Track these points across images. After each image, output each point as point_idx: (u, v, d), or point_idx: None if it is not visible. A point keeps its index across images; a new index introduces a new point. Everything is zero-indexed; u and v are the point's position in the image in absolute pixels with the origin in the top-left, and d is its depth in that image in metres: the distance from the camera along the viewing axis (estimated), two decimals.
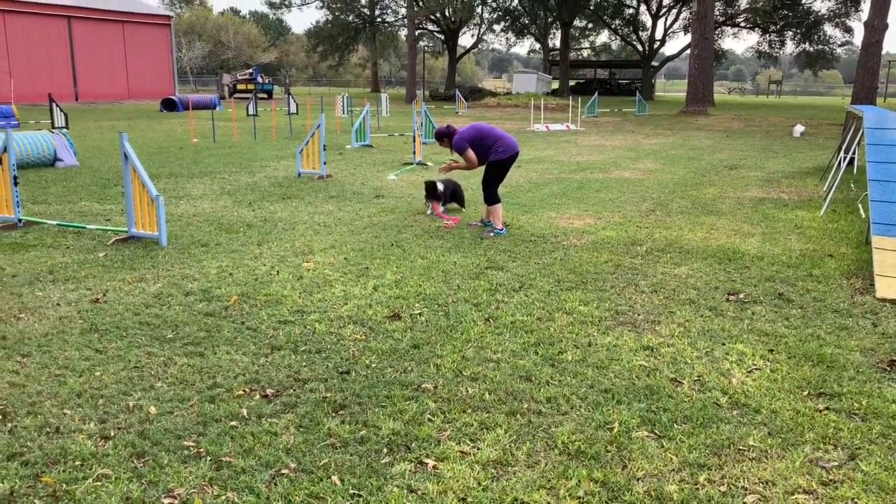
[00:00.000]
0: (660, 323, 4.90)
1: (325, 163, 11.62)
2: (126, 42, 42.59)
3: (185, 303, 5.11)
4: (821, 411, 3.61)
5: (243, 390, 3.72)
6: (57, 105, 20.62)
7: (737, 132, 24.11)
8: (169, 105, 32.17)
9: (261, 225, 7.92)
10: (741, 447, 3.24)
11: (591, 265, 6.36)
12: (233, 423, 3.37)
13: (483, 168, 7.73)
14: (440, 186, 8.56)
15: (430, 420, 3.44)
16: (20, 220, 7.69)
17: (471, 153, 7.52)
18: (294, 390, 3.74)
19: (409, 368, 4.04)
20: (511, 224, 8.08)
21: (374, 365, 4.08)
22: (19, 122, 21.60)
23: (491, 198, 7.67)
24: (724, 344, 4.53)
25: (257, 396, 3.66)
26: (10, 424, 3.30)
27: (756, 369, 4.14)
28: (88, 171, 12.14)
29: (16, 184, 7.59)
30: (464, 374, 3.99)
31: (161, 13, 46.43)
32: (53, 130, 13.80)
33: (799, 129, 22.94)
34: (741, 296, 5.53)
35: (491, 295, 5.43)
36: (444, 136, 7.76)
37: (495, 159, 7.56)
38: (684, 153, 16.81)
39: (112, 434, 3.23)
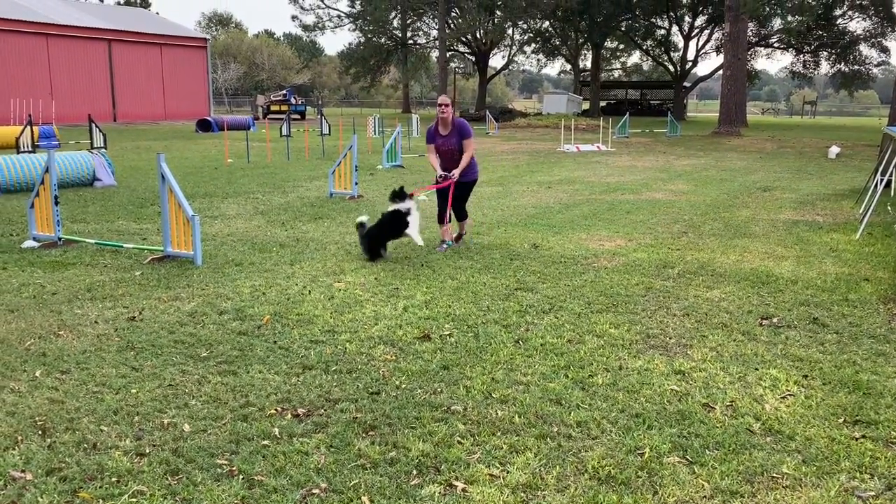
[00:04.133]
0: (692, 347, 4.86)
1: (356, 183, 11.74)
2: (164, 64, 43.58)
3: (218, 321, 5.19)
4: (857, 439, 3.54)
5: (275, 409, 3.76)
6: (96, 126, 21.11)
7: (770, 153, 23.87)
8: (204, 126, 32.75)
9: (293, 245, 8.01)
10: (774, 475, 3.20)
11: (622, 287, 6.33)
12: (265, 441, 3.41)
13: (449, 187, 7.83)
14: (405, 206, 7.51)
15: (459, 442, 3.45)
16: (60, 239, 7.88)
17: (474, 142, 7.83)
18: (325, 410, 3.77)
19: (439, 390, 4.06)
20: (541, 245, 8.08)
21: (403, 386, 4.10)
22: (60, 143, 22.15)
23: (463, 213, 8.06)
24: (757, 369, 4.48)
25: (289, 416, 3.70)
26: (49, 440, 3.38)
27: (790, 395, 4.08)
28: (126, 191, 12.40)
29: (56, 203, 7.78)
30: (493, 396, 3.99)
31: (197, 36, 47.46)
32: (92, 151, 14.13)
33: (834, 150, 22.64)
34: (775, 320, 5.47)
35: (521, 316, 5.44)
36: (449, 105, 7.82)
37: (470, 179, 7.96)
38: (717, 174, 16.67)
39: (147, 451, 3.29)
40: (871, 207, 9.33)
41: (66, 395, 3.88)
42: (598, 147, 25.00)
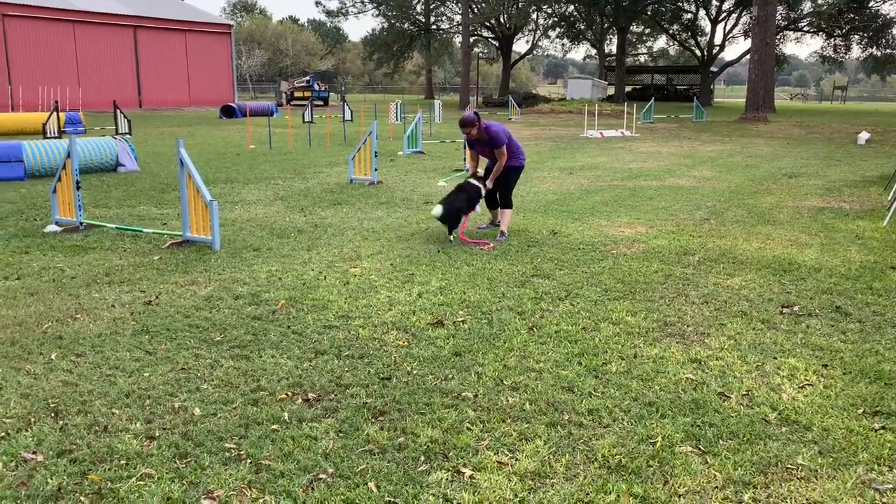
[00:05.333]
0: (709, 335, 4.78)
1: (376, 169, 11.72)
2: (188, 51, 43.84)
3: (234, 306, 5.21)
4: (876, 431, 3.46)
5: (286, 394, 3.76)
6: (121, 112, 21.30)
7: (798, 139, 23.46)
8: (228, 112, 32.92)
9: (311, 230, 8.02)
10: (789, 466, 3.13)
11: (641, 275, 6.25)
12: (274, 426, 3.41)
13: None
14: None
15: (468, 429, 3.42)
16: (81, 223, 7.95)
17: (506, 150, 7.59)
18: (335, 395, 3.76)
19: (450, 376, 4.03)
20: (560, 232, 8.01)
21: (415, 372, 4.08)
22: (86, 129, 22.38)
23: (509, 201, 7.84)
24: (775, 358, 4.40)
25: (299, 400, 3.70)
26: (61, 422, 3.41)
27: (808, 385, 4.00)
28: (148, 176, 12.50)
29: (78, 188, 7.85)
30: (505, 383, 3.96)
31: (222, 22, 47.61)
32: (116, 137, 14.25)
33: (864, 136, 22.20)
34: (796, 308, 5.36)
35: (536, 303, 5.39)
36: (473, 125, 7.48)
37: (518, 164, 7.81)
38: (742, 161, 16.42)
39: (157, 434, 3.30)
40: None
41: (80, 377, 3.91)
42: (622, 133, 24.74)
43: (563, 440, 3.34)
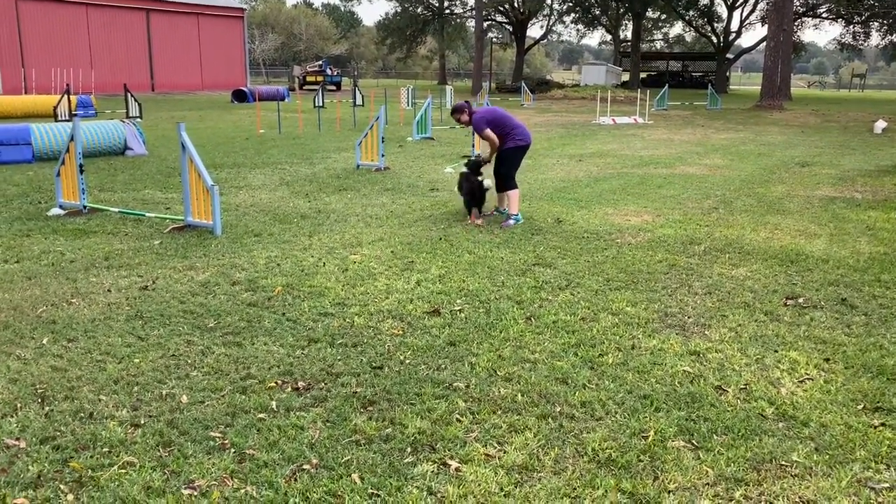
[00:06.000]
0: (710, 327, 4.70)
1: (383, 155, 11.65)
2: (201, 34, 43.81)
3: (230, 292, 5.17)
4: (875, 427, 3.38)
5: (275, 382, 3.72)
6: (132, 95, 21.31)
7: (813, 127, 23.17)
8: (240, 96, 32.88)
9: (314, 216, 7.97)
10: (784, 462, 3.06)
11: (645, 264, 6.16)
12: (261, 415, 3.37)
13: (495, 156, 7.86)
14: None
15: (458, 420, 3.37)
16: (85, 207, 7.94)
17: (490, 133, 7.58)
18: (325, 384, 3.72)
19: (443, 366, 3.98)
20: (565, 220, 7.92)
21: (408, 361, 4.03)
22: (97, 112, 22.42)
23: (508, 183, 7.73)
24: (776, 351, 4.31)
25: (289, 389, 3.65)
26: (47, 408, 3.38)
27: (808, 379, 3.92)
28: (155, 160, 12.49)
29: (81, 172, 7.83)
30: (498, 373, 3.90)
31: (234, 6, 47.50)
32: (124, 120, 14.24)
33: (880, 124, 21.87)
34: (801, 300, 5.27)
35: (535, 293, 5.32)
36: (461, 111, 7.76)
37: (513, 145, 7.68)
38: (755, 149, 16.22)
39: (142, 422, 3.27)
40: None
41: (69, 363, 3.89)
42: (634, 120, 24.51)
43: (553, 433, 3.28)
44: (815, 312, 5.01)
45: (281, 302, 4.99)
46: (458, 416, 3.41)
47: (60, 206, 8.07)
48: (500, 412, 3.46)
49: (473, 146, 13.84)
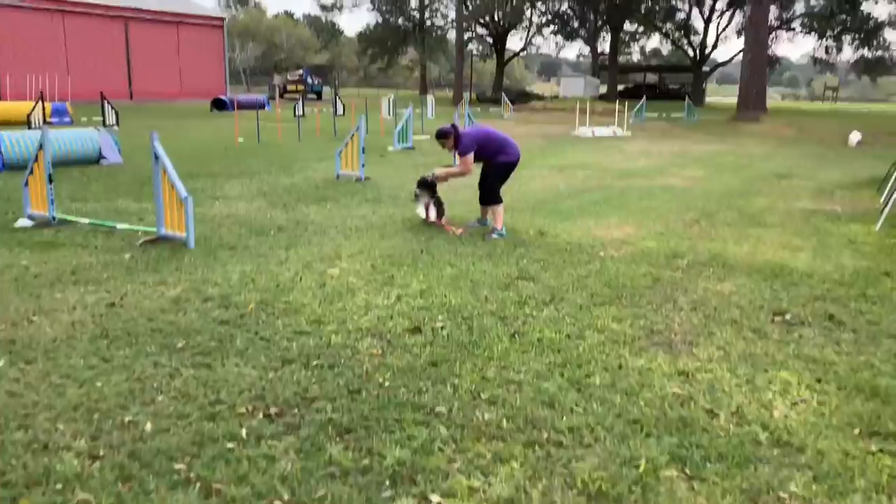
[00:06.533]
0: (698, 345, 4.57)
1: (363, 165, 11.47)
2: (180, 43, 43.39)
3: (201, 309, 4.96)
4: (873, 454, 3.25)
5: (246, 408, 3.52)
6: (109, 103, 20.96)
7: (789, 140, 23.33)
8: (219, 105, 32.56)
9: (292, 228, 7.77)
10: (781, 493, 2.92)
11: (629, 278, 6.03)
12: (230, 444, 3.17)
13: (479, 168, 7.70)
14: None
15: (440, 449, 3.19)
16: (54, 218, 7.68)
17: (471, 158, 7.38)
18: (299, 410, 3.53)
19: (424, 389, 3.80)
20: (547, 232, 7.79)
21: (387, 384, 3.85)
22: (72, 120, 22.03)
23: (495, 198, 7.59)
24: (766, 371, 4.18)
25: (260, 415, 3.46)
26: None
27: (801, 401, 3.79)
28: (131, 169, 12.21)
29: (51, 181, 7.57)
30: (482, 396, 3.73)
31: (214, 15, 47.17)
32: (98, 128, 13.94)
33: (855, 137, 22.06)
34: (788, 316, 5.16)
35: (519, 308, 5.16)
36: (447, 136, 7.48)
37: (505, 160, 7.54)
38: (734, 161, 16.25)
39: (101, 453, 3.06)
40: (893, 198, 8.93)
41: (26, 387, 3.66)
42: (613, 131, 24.54)
43: (540, 462, 3.11)
44: (804, 329, 4.90)
45: (254, 319, 4.79)
46: (440, 444, 3.23)
47: (29, 217, 7.80)
48: (484, 440, 3.29)
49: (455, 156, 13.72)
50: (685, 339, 4.68)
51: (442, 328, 4.71)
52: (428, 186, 7.83)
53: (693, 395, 3.83)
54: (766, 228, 8.35)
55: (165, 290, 5.39)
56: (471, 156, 7.35)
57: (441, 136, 7.54)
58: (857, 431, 3.47)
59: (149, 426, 3.31)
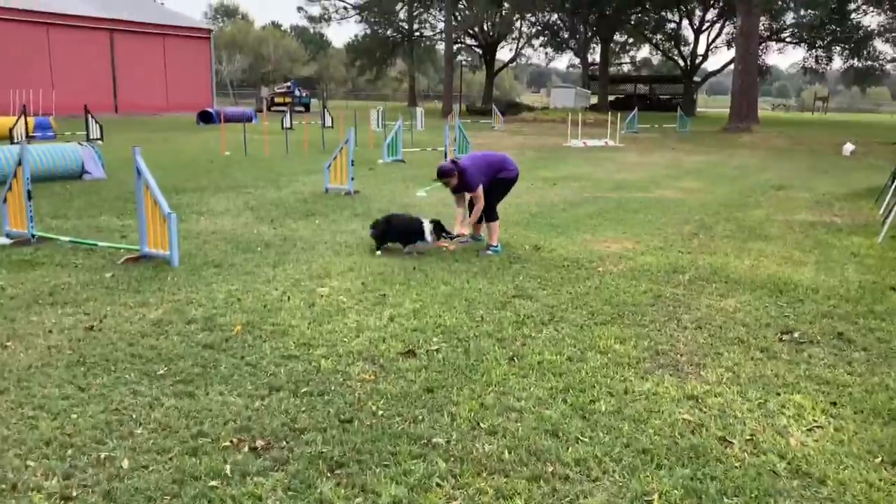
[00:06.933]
0: (705, 366, 4.37)
1: (352, 178, 11.26)
2: (166, 55, 43.12)
3: (184, 332, 4.73)
4: None
5: (231, 441, 3.29)
6: (92, 117, 20.69)
7: (782, 150, 23.31)
8: (206, 117, 32.31)
9: (280, 244, 7.55)
10: None
11: (629, 295, 5.84)
12: (213, 482, 2.94)
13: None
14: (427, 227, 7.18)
15: (438, 485, 2.98)
16: (34, 236, 7.43)
17: (481, 190, 7.18)
18: (287, 442, 3.30)
19: (420, 417, 3.59)
20: (543, 247, 7.60)
21: (380, 412, 3.63)
22: (56, 134, 21.73)
23: (492, 214, 7.38)
24: (778, 394, 3.99)
25: (246, 448, 3.23)
26: None
27: (818, 427, 3.60)
28: (115, 184, 11.95)
29: (30, 198, 7.33)
30: (481, 426, 3.52)
31: (201, 27, 46.96)
32: (82, 143, 13.69)
33: (848, 147, 22.06)
34: (796, 335, 4.98)
35: (517, 328, 4.96)
36: (451, 175, 7.12)
37: (506, 177, 7.41)
38: (728, 172, 16.15)
39: (74, 494, 2.83)
40: (894, 209, 8.80)
41: None
42: (605, 142, 24.45)
43: (546, 499, 2.90)
44: (813, 348, 4.72)
45: (240, 343, 4.56)
46: (438, 479, 3.02)
47: (7, 235, 7.55)
48: (485, 474, 3.08)
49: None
50: (692, 359, 4.48)
51: (437, 351, 4.50)
52: (439, 228, 7.28)
53: (704, 421, 3.63)
54: (766, 241, 8.19)
55: (147, 311, 5.16)
56: (481, 188, 7.15)
57: (445, 175, 7.16)
58: (878, 460, 3.28)
59: (126, 463, 3.08)
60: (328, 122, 26.57)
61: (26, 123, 18.83)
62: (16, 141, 18.10)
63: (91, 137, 20.27)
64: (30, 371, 4.03)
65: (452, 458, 3.20)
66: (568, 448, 3.31)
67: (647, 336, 4.88)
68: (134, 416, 3.52)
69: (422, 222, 7.14)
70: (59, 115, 30.45)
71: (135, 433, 3.35)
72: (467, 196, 7.42)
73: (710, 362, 4.44)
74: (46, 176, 11.92)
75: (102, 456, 3.13)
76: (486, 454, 3.24)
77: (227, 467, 3.06)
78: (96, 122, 20.70)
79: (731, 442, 3.42)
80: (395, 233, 7.22)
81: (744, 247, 7.86)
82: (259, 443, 3.28)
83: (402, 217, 7.43)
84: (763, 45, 49.75)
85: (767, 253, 7.56)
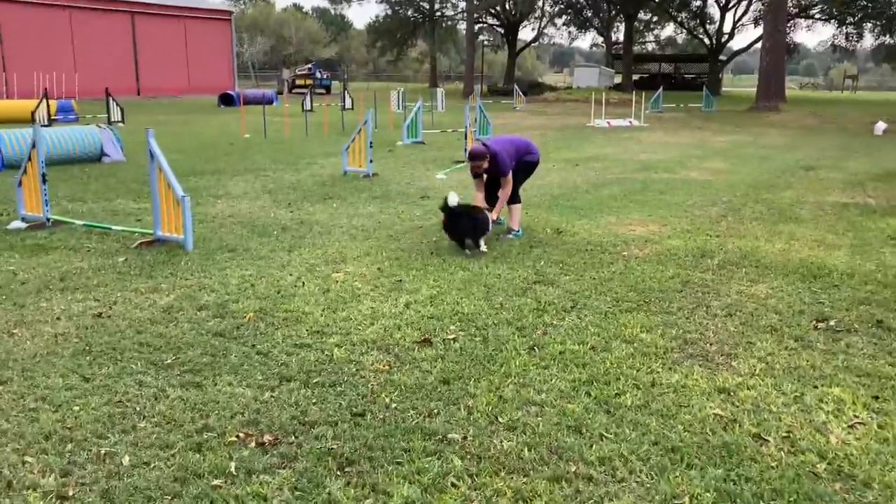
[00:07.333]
0: (737, 357, 4.15)
1: (371, 161, 11.08)
2: (187, 37, 43.11)
3: (195, 319, 4.59)
4: None
5: (237, 435, 3.15)
6: (113, 99, 20.69)
7: (812, 129, 22.74)
8: (227, 100, 32.27)
9: (296, 228, 7.40)
10: None
11: (656, 281, 5.62)
12: (216, 481, 2.80)
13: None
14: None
15: (453, 485, 2.81)
16: (48, 219, 7.35)
17: (511, 175, 6.93)
18: (296, 437, 3.15)
19: (436, 411, 3.41)
20: (565, 230, 7.37)
21: (394, 405, 3.46)
22: (77, 116, 21.77)
23: (514, 197, 7.11)
24: (816, 387, 3.77)
25: (252, 444, 3.08)
26: None
27: (859, 423, 3.38)
28: (132, 167, 11.89)
29: (44, 181, 7.24)
30: (499, 420, 3.34)
31: (222, 9, 46.82)
32: (101, 125, 13.62)
33: (881, 126, 21.45)
34: (832, 323, 4.73)
35: (538, 316, 4.76)
36: (483, 158, 6.71)
37: (531, 160, 7.22)
38: (756, 152, 15.74)
39: (71, 493, 2.70)
40: None
41: None
42: (630, 122, 24.03)
43: (568, 501, 2.72)
44: (851, 337, 4.48)
45: (252, 331, 4.42)
46: (453, 479, 2.85)
47: (23, 219, 7.47)
48: (503, 473, 2.90)
49: (465, 150, 13.30)
50: (722, 349, 4.26)
51: (454, 340, 4.31)
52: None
53: (737, 416, 3.42)
54: (798, 224, 7.90)
55: (158, 297, 5.03)
56: (511, 173, 6.91)
57: (477, 157, 6.74)
58: None
59: (126, 459, 2.94)
60: (348, 104, 26.40)
61: (48, 106, 18.85)
62: (40, 124, 18.13)
63: (112, 120, 20.29)
64: (35, 360, 3.91)
65: (469, 456, 3.02)
66: (592, 446, 3.12)
67: (675, 324, 4.67)
68: (138, 408, 3.39)
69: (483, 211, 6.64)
70: (82, 98, 30.59)
71: (138, 427, 3.21)
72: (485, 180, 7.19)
73: (742, 352, 4.22)
74: (66, 159, 11.89)
75: (103, 451, 2.99)
76: (504, 451, 3.06)
77: (233, 464, 2.91)
78: (117, 104, 20.70)
79: (766, 440, 3.21)
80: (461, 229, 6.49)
81: (774, 229, 7.57)
82: (267, 438, 3.13)
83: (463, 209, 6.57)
84: (791, 22, 48.64)
85: (799, 236, 7.28)
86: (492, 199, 7.09)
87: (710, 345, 4.33)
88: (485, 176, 7.07)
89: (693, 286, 5.51)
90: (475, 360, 4.01)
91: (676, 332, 4.51)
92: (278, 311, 4.76)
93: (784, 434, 3.26)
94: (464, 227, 6.35)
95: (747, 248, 6.74)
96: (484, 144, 6.90)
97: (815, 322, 4.75)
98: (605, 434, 3.23)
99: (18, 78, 32.40)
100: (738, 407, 3.52)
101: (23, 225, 7.33)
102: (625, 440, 3.18)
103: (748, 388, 3.73)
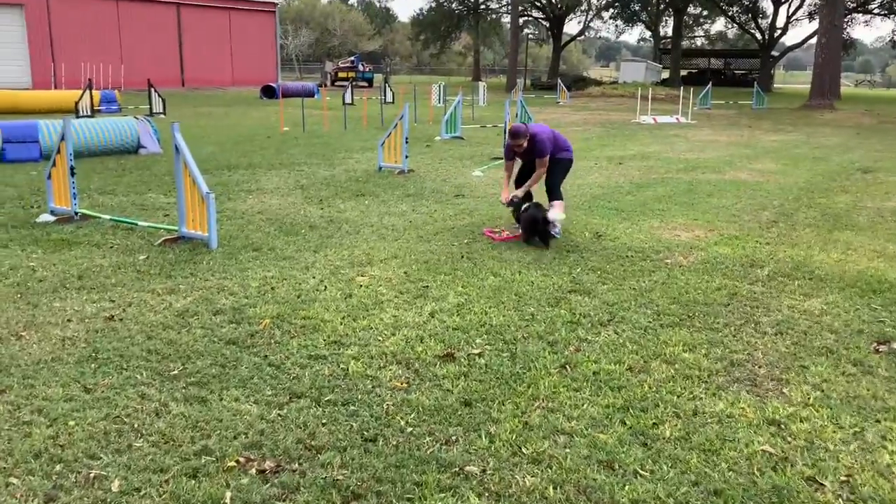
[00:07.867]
0: (788, 382, 3.79)
1: (406, 156, 10.82)
2: (232, 29, 43.38)
3: (208, 325, 4.38)
4: None
5: (237, 460, 2.91)
6: (155, 90, 20.80)
7: (869, 129, 21.83)
8: (269, 92, 32.35)
9: (325, 227, 7.18)
10: None
11: (700, 292, 5.25)
12: None
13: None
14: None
15: None
16: (76, 213, 7.25)
17: (548, 158, 6.87)
18: (301, 464, 2.90)
19: (454, 437, 3.13)
20: (605, 235, 7.02)
21: (409, 429, 3.19)
22: (120, 107, 21.96)
23: (555, 193, 7.01)
24: (878, 421, 3.39)
25: (252, 470, 2.84)
26: None
27: None
28: (168, 160, 11.80)
29: (72, 174, 7.13)
30: (523, 451, 3.04)
31: (267, 0, 46.97)
32: (139, 117, 13.62)
33: None
34: (895, 345, 4.32)
35: (571, 330, 4.45)
36: (525, 136, 6.76)
37: (567, 157, 7.09)
38: (809, 152, 15.08)
39: None
40: None
41: None
42: (677, 119, 23.38)
43: None
44: None
45: (266, 339, 4.19)
46: None
47: (51, 212, 7.39)
48: None
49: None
50: (772, 373, 3.90)
51: (479, 355, 4.03)
52: (516, 206, 6.95)
53: (788, 454, 3.08)
54: (854, 231, 7.41)
55: (174, 300, 4.83)
56: (548, 156, 6.85)
57: (517, 135, 6.73)
58: None
59: (116, 484, 2.72)
60: (389, 98, 26.22)
61: (91, 97, 19.00)
62: (81, 115, 18.30)
63: (154, 111, 20.40)
64: (38, 367, 3.74)
65: (487, 494, 2.74)
66: (625, 486, 2.81)
67: (721, 342, 4.31)
68: (136, 424, 3.17)
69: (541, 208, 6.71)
70: (127, 89, 30.97)
71: (133, 446, 2.99)
72: (515, 169, 7.19)
73: (794, 377, 3.85)
74: (104, 150, 11.88)
75: (92, 475, 2.78)
76: (527, 489, 2.77)
77: (228, 494, 2.68)
78: (159, 95, 20.81)
79: (822, 484, 2.86)
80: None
81: (829, 237, 7.11)
82: (268, 464, 2.89)
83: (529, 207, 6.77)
84: (848, 17, 47.02)
85: (856, 245, 6.81)
86: (521, 185, 7.12)
87: (759, 367, 3.97)
88: (518, 161, 7.08)
89: (741, 299, 5.13)
90: (501, 379, 3.72)
91: (722, 352, 4.16)
92: (296, 318, 4.53)
93: (842, 478, 2.91)
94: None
95: (800, 257, 6.31)
96: (524, 124, 6.97)
97: (875, 344, 4.35)
98: (640, 471, 2.91)
99: (66, 69, 32.93)
100: (789, 443, 3.17)
101: (51, 218, 7.24)
102: (661, 479, 2.86)
103: (801, 421, 3.37)
